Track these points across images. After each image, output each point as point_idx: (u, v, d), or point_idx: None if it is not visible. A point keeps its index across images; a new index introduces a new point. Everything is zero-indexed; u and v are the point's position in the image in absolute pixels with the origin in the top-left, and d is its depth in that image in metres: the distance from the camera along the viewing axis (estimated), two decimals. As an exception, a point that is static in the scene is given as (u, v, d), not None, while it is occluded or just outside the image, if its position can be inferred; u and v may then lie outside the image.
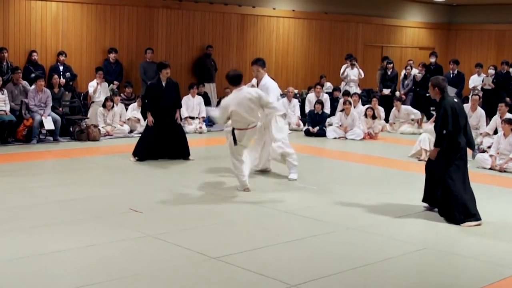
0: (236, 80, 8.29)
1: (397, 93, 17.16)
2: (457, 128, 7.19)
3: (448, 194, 7.23)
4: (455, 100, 7.43)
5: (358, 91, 16.71)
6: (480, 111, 14.08)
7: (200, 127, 14.04)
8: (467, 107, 14.12)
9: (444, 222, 7.32)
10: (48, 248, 5.87)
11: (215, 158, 10.85)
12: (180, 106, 11.16)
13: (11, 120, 11.85)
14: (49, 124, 12.07)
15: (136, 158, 10.54)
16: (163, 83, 10.64)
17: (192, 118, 14.31)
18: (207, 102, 15.13)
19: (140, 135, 11.98)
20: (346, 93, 15.45)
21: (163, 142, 10.59)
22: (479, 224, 7.14)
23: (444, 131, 7.18)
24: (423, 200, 7.80)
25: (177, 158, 10.71)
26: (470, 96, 14.98)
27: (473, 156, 11.37)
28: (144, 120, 10.85)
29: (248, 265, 5.61)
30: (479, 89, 16.74)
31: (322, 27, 19.14)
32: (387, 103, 16.29)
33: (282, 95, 16.18)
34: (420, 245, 6.39)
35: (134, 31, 15.27)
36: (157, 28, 15.65)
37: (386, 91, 16.94)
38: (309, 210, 7.62)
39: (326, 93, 16.16)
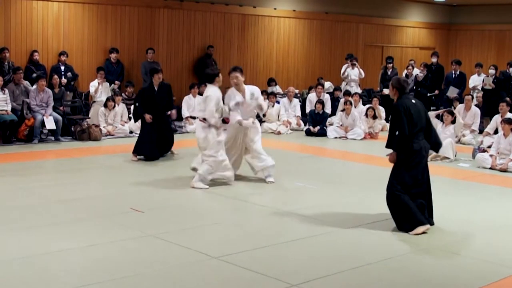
0: (211, 78, 8.67)
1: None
2: (411, 131, 6.76)
3: (396, 202, 6.82)
4: (413, 101, 6.99)
5: (359, 91, 16.73)
6: (475, 110, 14.30)
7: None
8: (462, 106, 14.35)
9: (444, 222, 7.35)
10: (49, 248, 5.89)
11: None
12: (171, 109, 11.35)
13: (12, 119, 11.88)
14: (50, 124, 12.09)
15: (138, 157, 10.60)
16: (156, 87, 10.87)
17: (193, 118, 14.33)
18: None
19: (136, 134, 12.27)
20: (347, 93, 15.47)
21: (160, 139, 10.81)
22: (426, 230, 6.73)
23: (397, 133, 6.80)
24: None
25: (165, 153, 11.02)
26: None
27: (474, 156, 11.41)
28: (135, 121, 11.06)
29: (249, 264, 5.63)
30: (479, 89, 16.77)
31: (323, 27, 19.16)
32: (388, 103, 16.29)
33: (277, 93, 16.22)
34: (420, 245, 6.41)
35: (135, 31, 15.30)
36: (158, 28, 15.68)
37: (387, 91, 16.94)
38: (309, 210, 7.64)
39: (327, 93, 16.19)
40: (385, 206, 7.92)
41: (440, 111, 12.88)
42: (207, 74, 8.79)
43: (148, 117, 10.62)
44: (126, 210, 7.32)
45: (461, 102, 15.10)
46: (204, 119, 8.60)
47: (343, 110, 14.46)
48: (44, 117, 12.05)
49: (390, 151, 6.99)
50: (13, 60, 13.15)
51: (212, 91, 8.61)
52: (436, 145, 7.17)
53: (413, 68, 17.40)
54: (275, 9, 17.94)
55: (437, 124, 12.20)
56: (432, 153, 11.35)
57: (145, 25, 15.46)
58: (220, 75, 8.75)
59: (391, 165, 7.07)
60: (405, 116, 6.76)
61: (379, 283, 5.42)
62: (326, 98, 15.45)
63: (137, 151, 10.66)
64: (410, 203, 6.77)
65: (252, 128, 9.12)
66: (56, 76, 13.22)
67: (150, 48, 15.05)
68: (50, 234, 6.34)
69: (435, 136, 7.11)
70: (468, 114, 14.13)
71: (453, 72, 16.82)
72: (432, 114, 12.61)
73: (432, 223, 7.01)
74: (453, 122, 12.07)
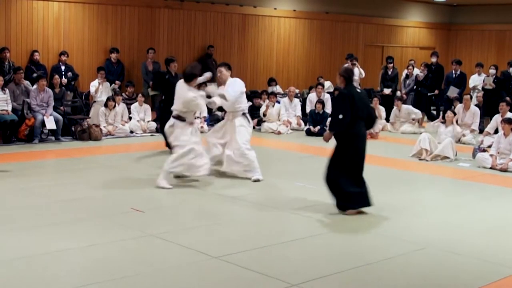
0: (189, 77, 8.62)
1: (398, 93, 17.20)
2: (353, 116, 7.28)
3: (334, 182, 7.46)
4: (358, 90, 7.64)
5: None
6: (474, 109, 14.33)
7: (202, 127, 14.06)
8: (462, 106, 14.37)
9: (444, 222, 7.36)
10: (49, 248, 5.90)
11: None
12: None
13: (13, 119, 11.89)
14: (51, 124, 12.10)
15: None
16: (173, 74, 11.24)
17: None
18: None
19: (137, 134, 12.85)
20: (347, 93, 15.46)
21: None
22: (359, 212, 7.38)
23: (340, 116, 7.25)
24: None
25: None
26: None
27: (474, 156, 11.42)
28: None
29: (249, 264, 5.63)
30: (480, 88, 16.78)
31: (323, 27, 19.16)
32: (388, 103, 16.32)
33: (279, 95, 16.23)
34: (420, 245, 6.41)
35: (135, 31, 15.31)
36: (158, 28, 15.68)
37: (387, 91, 16.97)
38: (309, 209, 7.65)
39: (327, 92, 16.19)
40: (385, 206, 7.95)
41: (439, 120, 12.99)
42: (187, 74, 8.72)
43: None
44: (127, 210, 7.33)
45: (462, 102, 15.11)
46: (179, 117, 8.58)
47: (343, 110, 14.44)
48: (45, 117, 12.06)
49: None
50: (14, 60, 13.15)
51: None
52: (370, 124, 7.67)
53: (413, 68, 17.40)
54: (275, 9, 17.94)
55: (438, 126, 12.22)
56: (433, 153, 11.39)
57: (146, 25, 15.47)
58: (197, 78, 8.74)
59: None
60: (350, 102, 7.27)
61: (379, 283, 5.43)
62: (326, 98, 15.45)
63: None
64: (347, 184, 7.37)
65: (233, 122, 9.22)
66: (57, 76, 13.22)
67: (151, 48, 15.06)
68: (50, 234, 6.34)
69: (373, 119, 7.70)
70: (468, 113, 14.14)
71: (453, 72, 16.82)
72: (431, 124, 12.74)
73: (369, 204, 7.46)
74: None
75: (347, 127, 7.28)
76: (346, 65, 7.74)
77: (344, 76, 7.48)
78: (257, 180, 9.09)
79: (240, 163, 9.14)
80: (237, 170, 9.22)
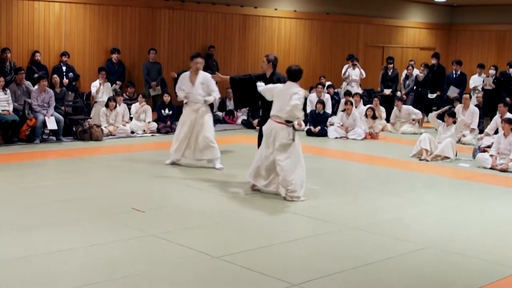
0: (297, 76, 7.98)
1: (398, 93, 17.21)
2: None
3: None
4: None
5: (360, 91, 16.75)
6: (473, 109, 14.34)
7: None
8: (461, 106, 14.36)
9: (444, 222, 7.37)
10: (50, 248, 5.91)
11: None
12: None
13: (14, 120, 11.91)
14: (52, 124, 12.11)
15: None
16: None
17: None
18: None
19: (138, 134, 12.90)
20: (348, 93, 15.49)
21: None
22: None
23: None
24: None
25: None
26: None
27: (474, 156, 11.42)
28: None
29: (250, 264, 5.64)
30: (480, 89, 16.79)
31: (324, 28, 19.18)
32: (388, 103, 16.34)
33: None
34: (421, 244, 6.42)
35: (136, 31, 15.33)
36: (159, 28, 15.70)
37: (387, 91, 16.98)
38: (310, 209, 7.65)
39: (327, 93, 16.19)
40: (385, 206, 7.95)
41: (440, 110, 12.88)
42: (294, 72, 7.96)
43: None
44: (128, 210, 7.34)
45: (462, 102, 15.11)
46: (288, 122, 7.99)
47: (343, 110, 14.47)
48: (46, 117, 12.07)
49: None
50: (15, 61, 13.18)
51: (299, 89, 7.93)
52: None
53: (413, 68, 17.42)
54: (276, 9, 17.96)
55: (439, 125, 12.22)
56: (433, 153, 11.39)
57: (146, 26, 15.49)
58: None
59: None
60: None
61: (380, 282, 5.44)
62: (327, 98, 15.46)
63: None
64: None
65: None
66: (55, 76, 13.24)
67: (152, 49, 15.07)
68: (51, 234, 6.35)
69: None
70: (467, 113, 14.15)
71: (453, 72, 16.84)
72: (433, 115, 12.61)
73: None
74: (455, 122, 12.08)
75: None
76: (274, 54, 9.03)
77: (273, 63, 8.62)
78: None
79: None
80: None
